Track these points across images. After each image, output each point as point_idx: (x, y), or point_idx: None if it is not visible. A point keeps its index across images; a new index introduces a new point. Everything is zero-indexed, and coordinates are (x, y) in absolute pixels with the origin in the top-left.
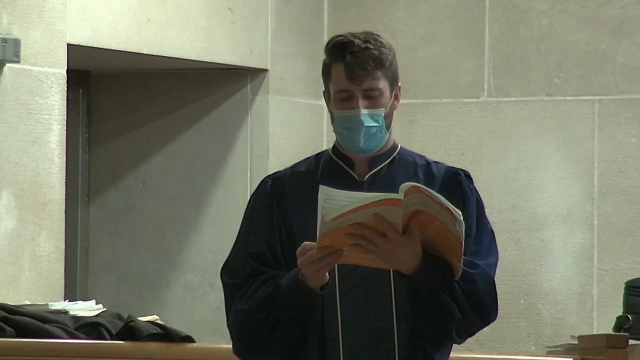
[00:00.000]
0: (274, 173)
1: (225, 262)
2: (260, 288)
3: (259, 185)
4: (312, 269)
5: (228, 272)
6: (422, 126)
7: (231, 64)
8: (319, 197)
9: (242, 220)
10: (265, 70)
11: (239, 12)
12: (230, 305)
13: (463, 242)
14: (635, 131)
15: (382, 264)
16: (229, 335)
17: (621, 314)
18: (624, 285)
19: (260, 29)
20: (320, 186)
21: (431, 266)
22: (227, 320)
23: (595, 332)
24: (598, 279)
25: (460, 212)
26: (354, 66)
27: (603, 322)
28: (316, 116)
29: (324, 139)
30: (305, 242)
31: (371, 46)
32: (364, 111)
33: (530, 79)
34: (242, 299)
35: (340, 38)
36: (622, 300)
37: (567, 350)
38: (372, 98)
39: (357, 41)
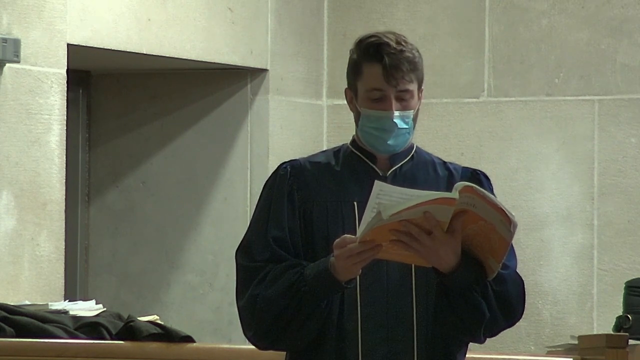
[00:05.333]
0: (290, 160)
1: (242, 243)
2: (283, 275)
3: (277, 169)
4: (349, 262)
5: (246, 254)
6: (422, 126)
7: (231, 64)
8: (372, 191)
9: (259, 203)
10: (265, 70)
11: (239, 12)
12: (243, 288)
13: (510, 244)
14: (635, 131)
15: (421, 261)
16: (238, 318)
17: (621, 314)
18: (624, 285)
19: (260, 29)
20: (376, 181)
21: (468, 265)
22: (238, 302)
23: (595, 332)
24: (598, 279)
25: (514, 215)
26: (391, 68)
27: (603, 322)
28: (316, 116)
29: (324, 139)
30: (345, 235)
31: (405, 49)
32: (396, 113)
33: (530, 79)
34: (261, 285)
35: (375, 38)
36: (622, 300)
37: (567, 350)
38: (404, 100)
39: (392, 43)
